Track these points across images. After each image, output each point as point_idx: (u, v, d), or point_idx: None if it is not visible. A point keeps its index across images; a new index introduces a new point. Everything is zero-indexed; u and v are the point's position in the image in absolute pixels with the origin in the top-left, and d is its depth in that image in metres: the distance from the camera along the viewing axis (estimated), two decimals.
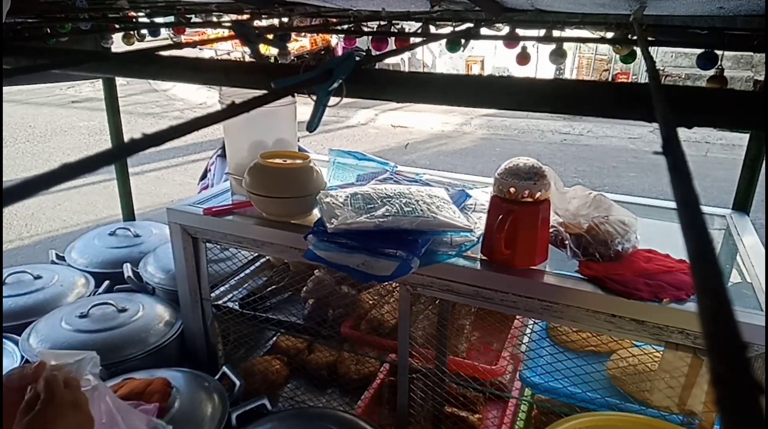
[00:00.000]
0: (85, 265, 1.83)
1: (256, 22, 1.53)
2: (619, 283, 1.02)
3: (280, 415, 1.31)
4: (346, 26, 1.24)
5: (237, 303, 1.62)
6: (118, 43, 1.73)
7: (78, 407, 0.81)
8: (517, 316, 1.42)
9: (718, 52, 1.03)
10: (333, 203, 1.19)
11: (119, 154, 0.28)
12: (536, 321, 1.36)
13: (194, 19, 1.50)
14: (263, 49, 0.58)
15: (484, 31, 1.17)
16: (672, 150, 0.25)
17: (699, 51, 1.04)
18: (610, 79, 8.23)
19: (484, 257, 1.15)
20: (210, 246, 1.46)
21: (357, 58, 0.47)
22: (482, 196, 1.40)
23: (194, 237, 1.41)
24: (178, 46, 0.77)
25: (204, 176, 2.32)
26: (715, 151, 6.22)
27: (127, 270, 1.71)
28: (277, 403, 1.61)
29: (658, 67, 0.97)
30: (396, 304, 1.44)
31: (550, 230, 1.16)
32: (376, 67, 0.55)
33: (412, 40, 1.16)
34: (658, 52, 7.55)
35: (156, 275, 1.67)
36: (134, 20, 1.60)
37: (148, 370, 1.30)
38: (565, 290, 1.04)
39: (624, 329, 1.02)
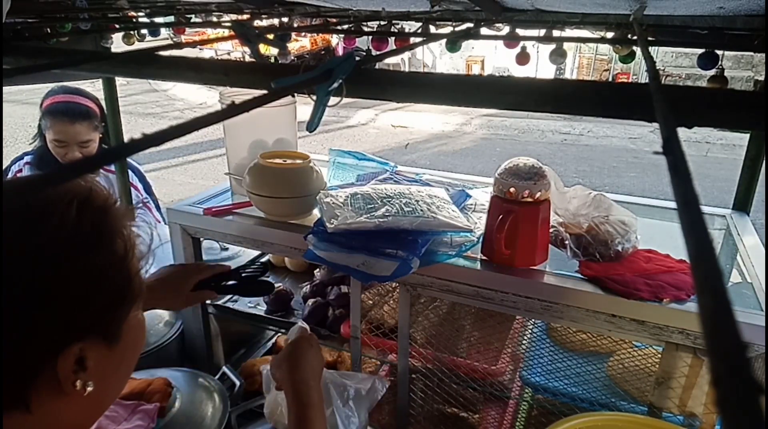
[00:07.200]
0: None
1: (256, 22, 1.52)
2: (619, 283, 1.02)
3: None
4: (346, 26, 1.24)
5: (237, 303, 1.62)
6: (118, 43, 1.73)
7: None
8: (517, 316, 1.42)
9: (719, 52, 1.03)
10: (333, 203, 1.19)
11: (119, 154, 0.28)
12: (536, 321, 1.36)
13: (194, 19, 1.50)
14: (263, 49, 0.58)
15: (484, 31, 1.17)
16: (672, 150, 0.24)
17: (699, 51, 1.04)
18: (610, 79, 8.23)
19: (484, 257, 1.15)
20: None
21: (357, 58, 0.47)
22: (482, 196, 1.40)
23: (194, 237, 1.41)
24: (178, 46, 0.77)
25: None
26: (715, 151, 6.23)
27: None
28: None
29: (658, 67, 0.97)
30: (396, 304, 1.44)
31: (550, 230, 1.16)
32: (376, 67, 0.55)
33: (412, 40, 1.16)
34: (659, 52, 7.55)
35: None
36: (134, 20, 1.59)
37: (148, 370, 1.30)
38: (565, 290, 1.04)
39: (624, 329, 1.02)
